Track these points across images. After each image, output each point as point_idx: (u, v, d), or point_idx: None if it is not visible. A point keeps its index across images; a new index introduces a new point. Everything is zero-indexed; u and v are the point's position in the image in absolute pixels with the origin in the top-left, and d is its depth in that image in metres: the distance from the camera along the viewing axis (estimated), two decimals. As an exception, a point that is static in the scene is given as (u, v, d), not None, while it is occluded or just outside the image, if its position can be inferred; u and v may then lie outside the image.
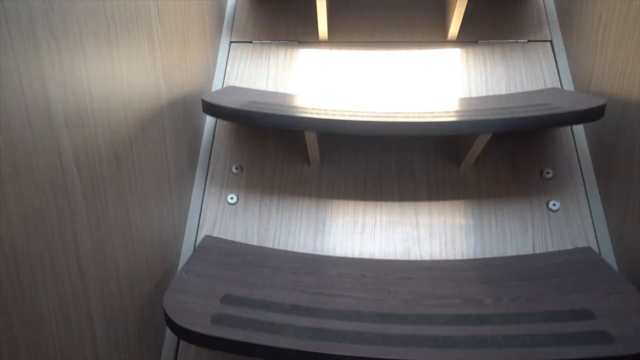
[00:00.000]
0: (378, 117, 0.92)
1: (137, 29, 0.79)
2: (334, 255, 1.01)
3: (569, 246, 0.98)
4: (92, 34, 0.63)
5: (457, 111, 1.00)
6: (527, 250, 0.98)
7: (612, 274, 0.85)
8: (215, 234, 1.04)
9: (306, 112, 0.95)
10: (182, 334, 0.74)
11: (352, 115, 0.93)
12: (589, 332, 0.71)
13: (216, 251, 0.97)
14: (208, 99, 0.98)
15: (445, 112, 0.98)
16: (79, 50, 0.60)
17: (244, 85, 1.24)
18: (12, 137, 0.47)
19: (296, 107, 1.01)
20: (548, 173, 1.05)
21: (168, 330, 0.94)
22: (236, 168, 1.11)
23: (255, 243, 1.03)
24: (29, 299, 0.51)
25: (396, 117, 0.92)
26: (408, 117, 0.92)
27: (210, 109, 0.98)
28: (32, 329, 0.51)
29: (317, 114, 0.93)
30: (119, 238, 0.74)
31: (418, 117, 0.92)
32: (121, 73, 0.73)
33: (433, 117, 0.92)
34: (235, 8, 1.35)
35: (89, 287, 0.64)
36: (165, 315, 0.75)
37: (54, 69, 0.55)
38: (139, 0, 0.79)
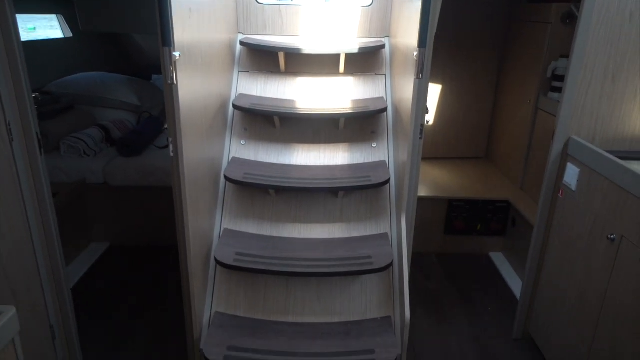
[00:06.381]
0: (308, 111, 2.40)
1: (216, 66, 2.23)
2: (291, 164, 2.48)
3: (379, 159, 2.49)
4: (209, 68, 2.08)
5: (336, 109, 2.49)
6: (362, 160, 2.49)
7: (386, 169, 2.37)
8: (237, 157, 2.49)
9: (275, 108, 2.41)
10: (229, 179, 2.20)
11: (294, 111, 2.40)
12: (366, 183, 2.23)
13: (239, 162, 2.42)
14: (235, 102, 2.42)
15: (333, 109, 2.47)
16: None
17: (245, 92, 2.67)
18: None
19: (271, 105, 2.46)
20: (373, 132, 2.56)
21: (222, 180, 2.38)
22: (244, 129, 2.55)
23: (254, 159, 2.48)
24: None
25: (314, 111, 2.40)
26: (320, 111, 2.40)
27: (235, 107, 2.43)
28: None
29: (279, 108, 2.40)
30: (206, 160, 2.19)
31: (323, 111, 2.41)
32: (209, 86, 2.19)
33: (328, 111, 2.41)
34: (240, 54, 2.78)
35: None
36: (225, 174, 2.22)
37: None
38: (221, 54, 2.23)
